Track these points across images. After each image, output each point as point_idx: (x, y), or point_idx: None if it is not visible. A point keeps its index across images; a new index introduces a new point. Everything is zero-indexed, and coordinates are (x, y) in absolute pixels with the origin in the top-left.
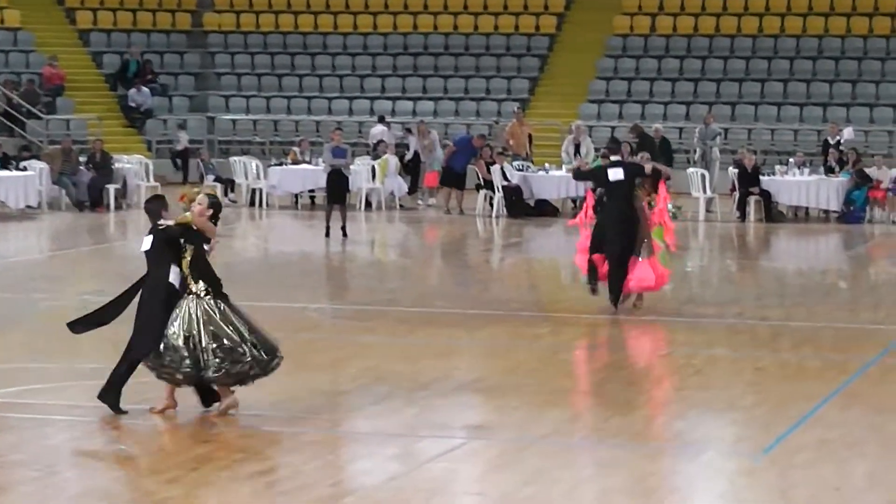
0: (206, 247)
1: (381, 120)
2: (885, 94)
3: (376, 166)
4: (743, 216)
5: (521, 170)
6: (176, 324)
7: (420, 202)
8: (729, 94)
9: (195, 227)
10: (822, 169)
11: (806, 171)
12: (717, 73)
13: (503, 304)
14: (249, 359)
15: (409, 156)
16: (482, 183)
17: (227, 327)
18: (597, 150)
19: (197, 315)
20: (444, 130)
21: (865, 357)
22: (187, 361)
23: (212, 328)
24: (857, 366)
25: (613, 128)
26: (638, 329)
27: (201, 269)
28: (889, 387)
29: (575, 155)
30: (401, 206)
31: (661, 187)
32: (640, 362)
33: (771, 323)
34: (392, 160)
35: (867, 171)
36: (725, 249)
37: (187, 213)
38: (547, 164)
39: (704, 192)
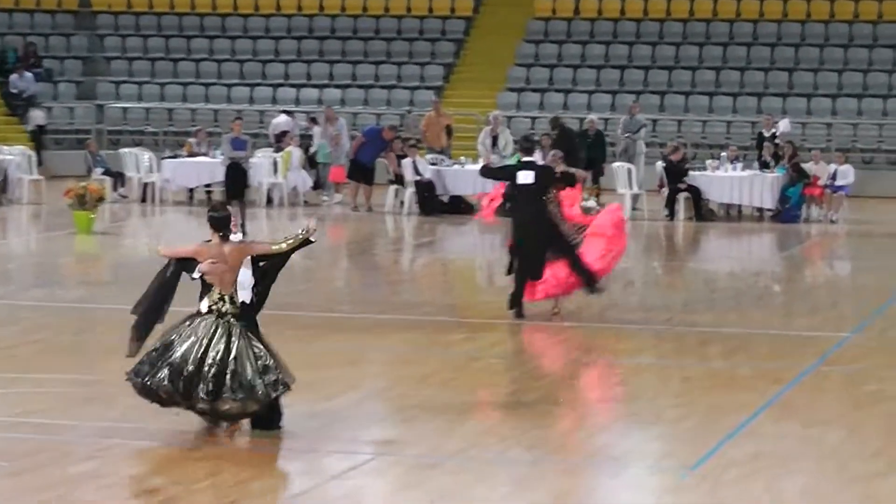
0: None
1: (285, 110)
2: (823, 84)
3: (278, 159)
4: (672, 214)
5: (435, 164)
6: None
7: (325, 198)
8: (657, 82)
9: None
10: (755, 164)
11: (739, 166)
12: (645, 59)
13: (414, 309)
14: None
15: (314, 148)
16: (392, 178)
17: None
18: (516, 142)
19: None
20: (352, 120)
21: (800, 366)
22: None
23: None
24: (791, 375)
25: (534, 118)
26: (558, 336)
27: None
28: (825, 397)
29: (492, 147)
30: (305, 202)
31: (577, 192)
32: (560, 371)
33: (700, 329)
34: (296, 153)
35: (804, 166)
36: (652, 250)
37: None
38: (462, 158)
39: (630, 188)
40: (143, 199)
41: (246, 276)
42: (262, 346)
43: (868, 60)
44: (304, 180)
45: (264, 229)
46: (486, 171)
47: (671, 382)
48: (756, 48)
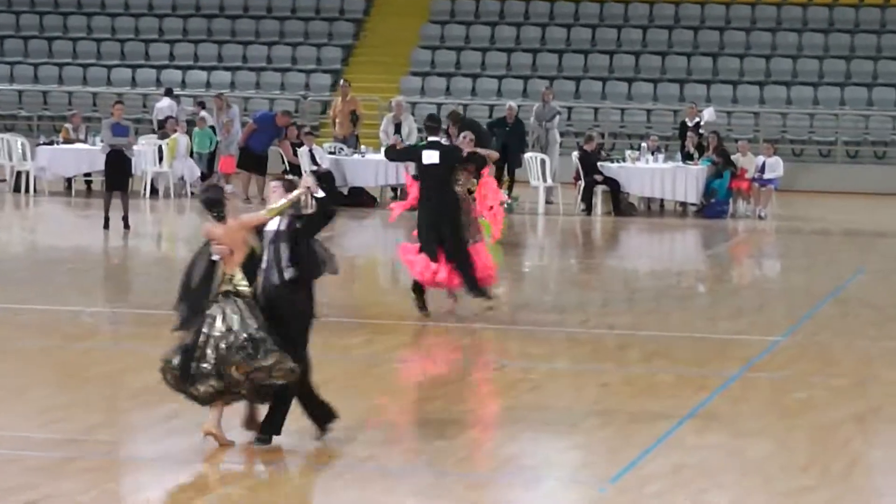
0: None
1: (169, 93)
2: (749, 70)
3: (164, 147)
4: (588, 209)
5: (333, 153)
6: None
7: None
8: (572, 66)
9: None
10: (678, 155)
11: (660, 157)
12: (560, 42)
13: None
14: None
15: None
16: (287, 167)
17: None
18: (420, 129)
19: None
20: (243, 105)
21: (725, 372)
22: None
23: None
24: (716, 382)
25: (440, 104)
26: (466, 338)
27: None
28: (751, 406)
29: (395, 136)
30: (192, 193)
31: (486, 175)
32: (467, 377)
33: (619, 332)
34: (182, 140)
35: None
36: (568, 247)
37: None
38: (363, 147)
39: (544, 180)
40: (17, 189)
41: (285, 252)
42: (253, 323)
43: (798, 45)
44: (192, 170)
45: (148, 222)
46: (392, 153)
47: (587, 389)
48: (678, 31)
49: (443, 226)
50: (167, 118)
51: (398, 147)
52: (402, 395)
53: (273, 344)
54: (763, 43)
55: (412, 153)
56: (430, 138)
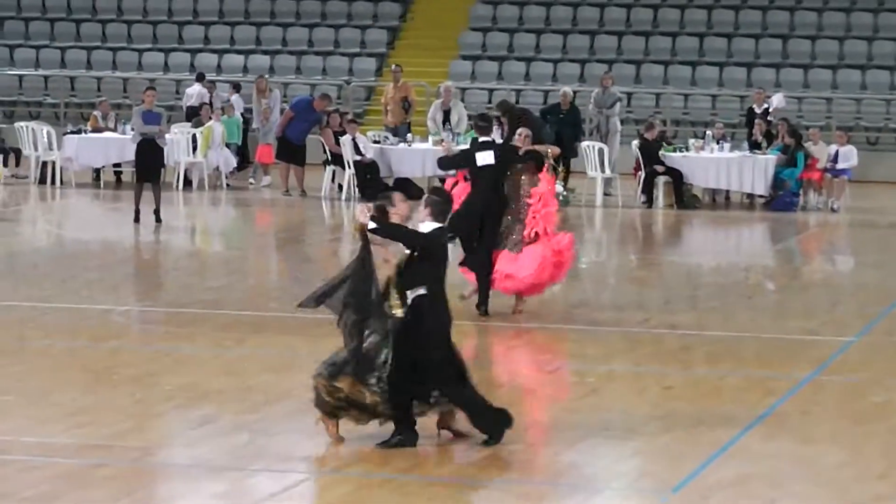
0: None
1: (200, 78)
2: (821, 52)
3: (198, 135)
4: (649, 201)
5: (378, 142)
6: None
7: (252, 181)
8: (633, 49)
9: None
10: (745, 144)
11: (726, 146)
12: (619, 24)
13: None
14: None
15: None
16: (329, 157)
17: None
18: (470, 118)
19: None
20: (283, 91)
21: (795, 374)
22: None
23: None
24: (785, 385)
25: (492, 90)
26: (519, 338)
27: None
28: (823, 411)
29: (444, 124)
30: (228, 185)
31: (544, 175)
32: (521, 379)
33: (681, 332)
34: (217, 128)
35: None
36: (627, 242)
37: None
38: (409, 135)
39: (602, 171)
40: (42, 181)
41: None
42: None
43: (873, 27)
44: (228, 160)
45: (181, 216)
46: (444, 163)
47: (648, 392)
48: (745, 12)
49: (485, 227)
50: (202, 105)
51: (448, 154)
52: None
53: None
54: (836, 24)
55: (465, 158)
56: (483, 138)
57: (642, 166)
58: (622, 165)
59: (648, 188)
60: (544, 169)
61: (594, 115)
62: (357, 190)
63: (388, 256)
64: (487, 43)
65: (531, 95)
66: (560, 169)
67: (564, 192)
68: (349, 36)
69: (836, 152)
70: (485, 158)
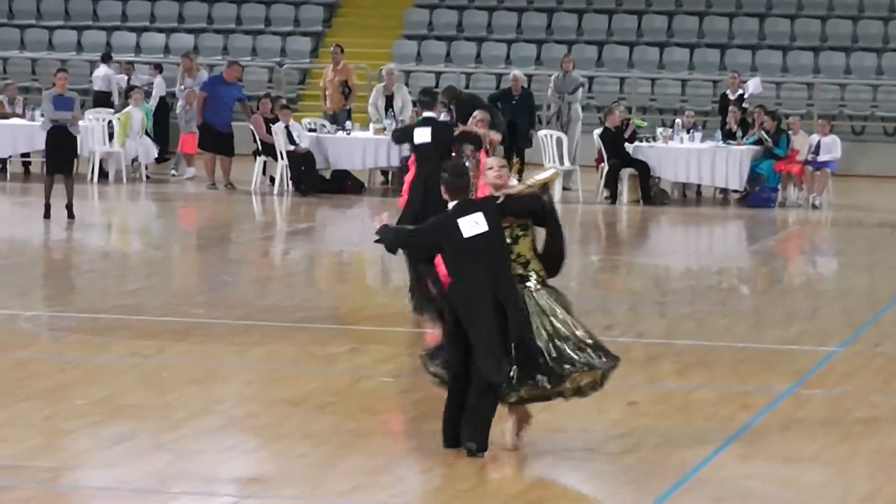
0: None
1: (106, 59)
2: (802, 34)
3: (115, 122)
4: (613, 196)
5: (314, 130)
6: None
7: (174, 172)
8: (594, 29)
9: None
10: (718, 133)
11: (697, 136)
12: (579, 1)
13: (286, 313)
14: None
15: (152, 104)
16: (259, 147)
17: None
18: (415, 103)
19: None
20: (209, 73)
21: (774, 388)
22: None
23: None
24: (763, 400)
25: (439, 73)
26: None
27: None
28: (804, 427)
29: (387, 110)
30: (147, 177)
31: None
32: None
33: (649, 341)
34: (136, 115)
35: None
36: (589, 241)
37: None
38: (349, 123)
39: (561, 162)
40: None
41: None
42: None
43: (858, 5)
44: (148, 150)
45: (96, 211)
46: (395, 135)
47: (611, 408)
48: None
49: (429, 208)
50: (132, 88)
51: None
52: (393, 414)
53: None
54: (818, 2)
55: (406, 133)
56: (425, 113)
57: (605, 158)
58: (583, 157)
59: (612, 182)
60: (482, 152)
61: (554, 101)
62: (291, 183)
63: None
64: (435, 21)
65: (483, 79)
66: (514, 161)
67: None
68: (281, 13)
69: (818, 143)
70: (422, 135)
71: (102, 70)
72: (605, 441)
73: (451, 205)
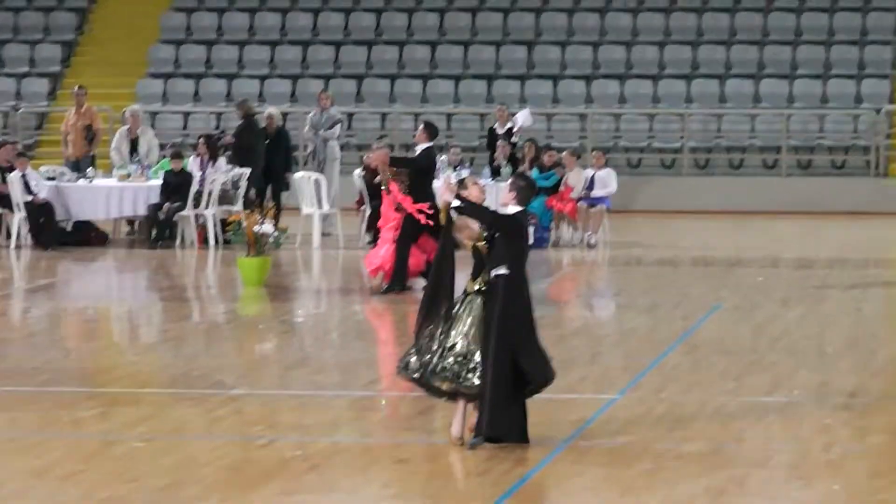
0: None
1: None
2: (573, 61)
3: None
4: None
5: (53, 178)
6: None
7: None
8: (353, 62)
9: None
10: (486, 170)
11: (464, 172)
12: (337, 32)
13: (27, 376)
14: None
15: None
16: None
17: None
18: (163, 147)
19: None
20: None
21: (550, 441)
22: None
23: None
24: (538, 454)
25: (187, 113)
26: (224, 408)
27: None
28: (584, 482)
29: (131, 155)
30: None
31: None
32: (231, 454)
33: (418, 395)
34: None
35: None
36: (352, 290)
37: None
38: (91, 170)
39: (319, 206)
40: None
41: None
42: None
43: (632, 30)
44: None
45: None
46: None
47: (378, 467)
48: (485, 14)
49: None
50: None
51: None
52: (147, 481)
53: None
54: (590, 27)
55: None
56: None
57: (367, 200)
58: (343, 199)
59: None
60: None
61: (310, 139)
62: (30, 236)
63: (473, 236)
64: (181, 58)
65: (234, 119)
66: (268, 205)
67: (275, 233)
68: (17, 52)
69: (592, 177)
70: None
71: None
72: (377, 502)
73: (517, 209)
